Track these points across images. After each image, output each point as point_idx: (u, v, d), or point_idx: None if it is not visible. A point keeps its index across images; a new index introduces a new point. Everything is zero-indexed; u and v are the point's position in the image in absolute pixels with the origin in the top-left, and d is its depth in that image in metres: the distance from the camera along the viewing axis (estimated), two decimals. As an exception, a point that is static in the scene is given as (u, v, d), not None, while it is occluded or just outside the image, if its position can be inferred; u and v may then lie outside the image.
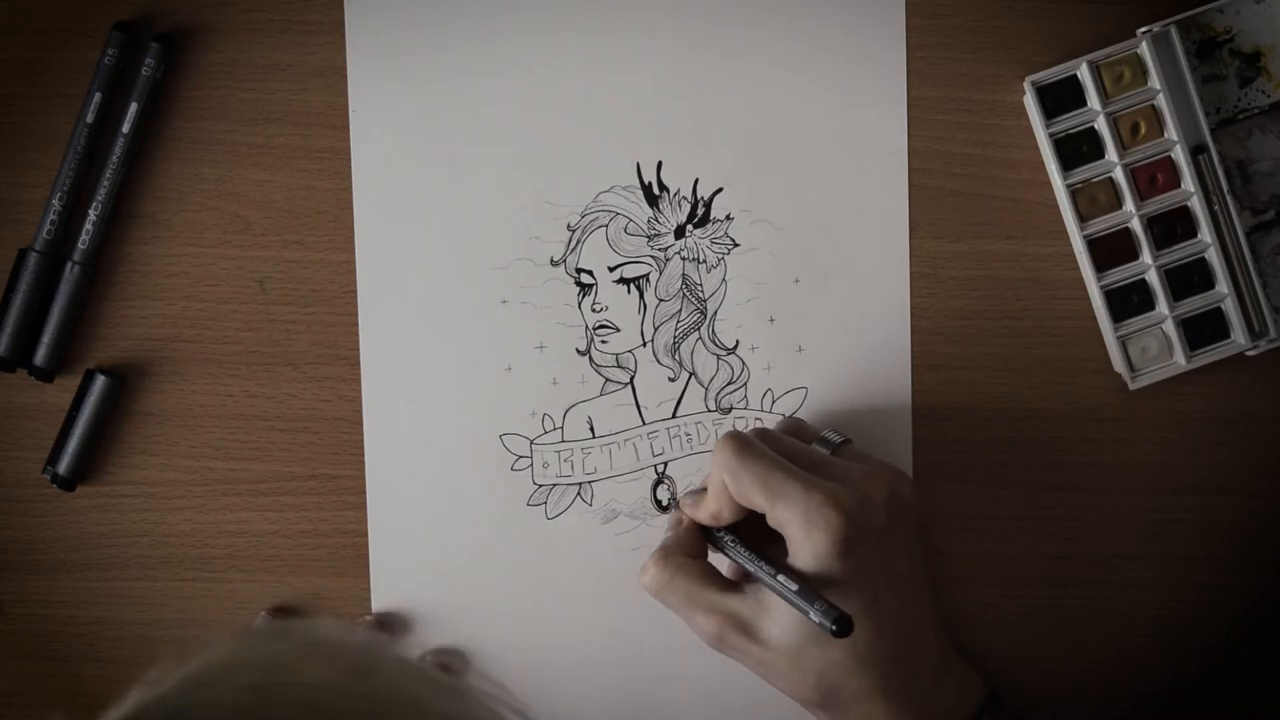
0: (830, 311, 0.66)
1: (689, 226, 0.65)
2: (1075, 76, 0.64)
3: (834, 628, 0.54)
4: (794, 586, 0.56)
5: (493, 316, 0.66)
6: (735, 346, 0.66)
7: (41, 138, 0.65)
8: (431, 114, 0.65)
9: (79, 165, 0.64)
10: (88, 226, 0.64)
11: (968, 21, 0.65)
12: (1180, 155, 0.64)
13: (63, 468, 0.65)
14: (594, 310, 0.66)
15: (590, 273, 0.65)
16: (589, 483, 0.66)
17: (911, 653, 0.59)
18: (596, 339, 0.66)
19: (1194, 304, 0.65)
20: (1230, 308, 0.65)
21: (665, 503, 0.66)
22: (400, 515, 0.66)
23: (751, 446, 0.59)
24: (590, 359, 0.66)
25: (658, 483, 0.66)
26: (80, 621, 0.66)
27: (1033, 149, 0.65)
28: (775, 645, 0.58)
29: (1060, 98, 0.64)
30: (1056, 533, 0.66)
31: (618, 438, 0.66)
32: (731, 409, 0.66)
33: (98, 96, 0.64)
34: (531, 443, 0.66)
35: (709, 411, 0.66)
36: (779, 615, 0.58)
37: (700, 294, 0.66)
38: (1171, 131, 0.64)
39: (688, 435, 0.66)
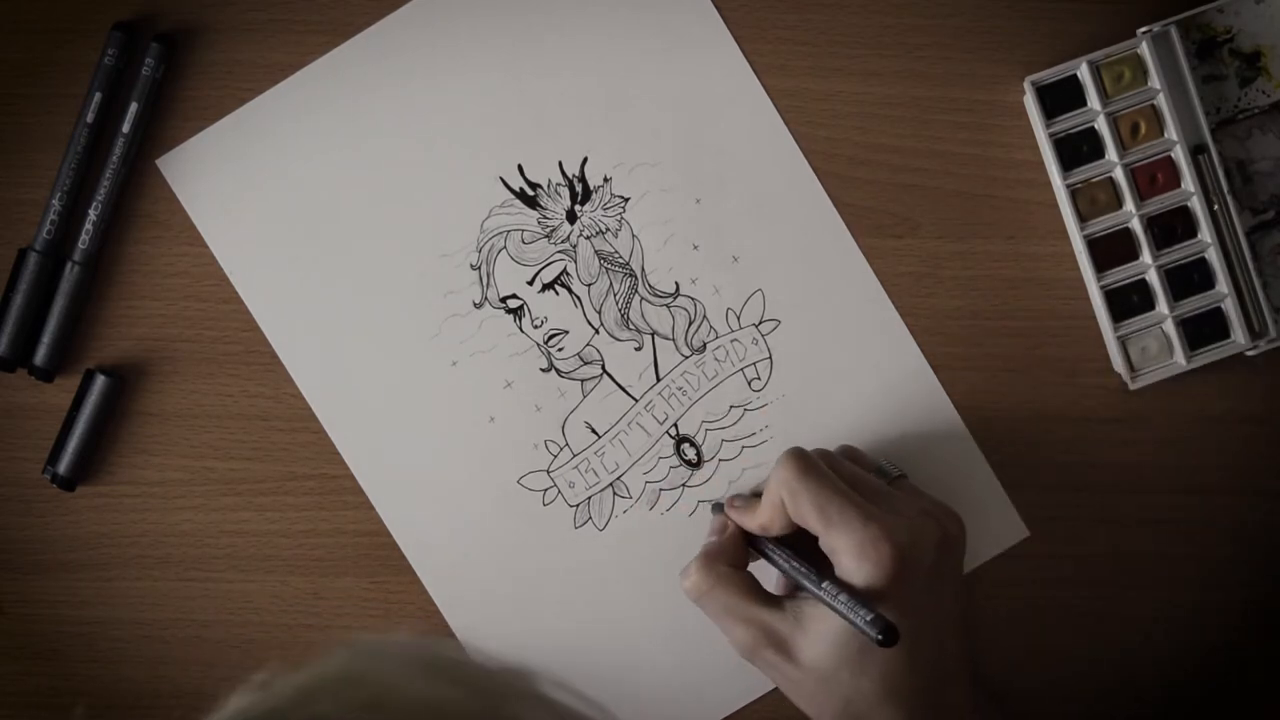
0: (742, 209, 0.65)
1: (577, 207, 0.65)
2: (1075, 76, 0.64)
3: (880, 637, 0.54)
4: (842, 596, 0.56)
5: (451, 381, 0.65)
6: (678, 289, 0.66)
7: (41, 138, 0.65)
8: (301, 239, 0.65)
9: (79, 165, 0.64)
10: (88, 226, 0.64)
11: (968, 21, 0.65)
12: (1180, 155, 0.64)
13: (63, 468, 0.65)
14: (535, 327, 0.65)
15: (515, 295, 0.65)
16: (618, 479, 0.66)
17: (942, 693, 0.59)
18: (552, 350, 0.66)
19: (1194, 304, 0.65)
20: (1230, 308, 0.65)
21: (694, 459, 0.66)
22: (461, 585, 0.66)
23: (814, 467, 0.59)
24: (557, 371, 0.66)
25: (679, 443, 0.66)
26: (80, 621, 0.66)
27: (1033, 149, 0.65)
28: (807, 665, 0.58)
29: (1060, 98, 0.64)
30: (1056, 533, 0.66)
31: (621, 425, 0.66)
32: (705, 345, 0.66)
33: (98, 96, 0.64)
34: (549, 472, 0.66)
35: (686, 358, 0.66)
36: (815, 637, 0.58)
37: (620, 260, 0.65)
38: (1171, 131, 0.64)
39: (680, 389, 0.66)
